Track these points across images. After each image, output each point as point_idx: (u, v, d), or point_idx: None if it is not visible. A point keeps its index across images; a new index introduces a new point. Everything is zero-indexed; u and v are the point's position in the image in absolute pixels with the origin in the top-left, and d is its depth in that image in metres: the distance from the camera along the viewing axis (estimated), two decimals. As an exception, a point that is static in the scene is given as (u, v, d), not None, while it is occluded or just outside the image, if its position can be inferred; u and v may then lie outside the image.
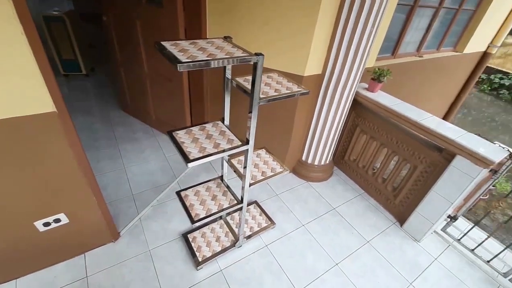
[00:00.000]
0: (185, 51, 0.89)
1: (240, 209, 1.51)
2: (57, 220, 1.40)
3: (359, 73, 1.90)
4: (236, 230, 1.82)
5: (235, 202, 1.47)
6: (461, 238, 1.96)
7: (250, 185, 1.42)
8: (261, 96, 1.10)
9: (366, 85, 2.23)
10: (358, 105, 2.21)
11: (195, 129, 1.25)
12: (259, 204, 2.07)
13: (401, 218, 2.12)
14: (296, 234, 1.93)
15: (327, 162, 2.43)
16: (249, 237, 1.81)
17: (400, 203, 2.13)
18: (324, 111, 2.06)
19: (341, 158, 2.59)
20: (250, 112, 1.09)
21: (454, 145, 1.62)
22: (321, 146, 2.26)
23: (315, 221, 2.04)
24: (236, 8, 1.75)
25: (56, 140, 1.16)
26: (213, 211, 1.40)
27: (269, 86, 1.21)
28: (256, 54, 0.93)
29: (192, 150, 1.11)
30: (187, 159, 1.06)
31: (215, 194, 1.51)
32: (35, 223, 1.34)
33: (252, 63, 0.95)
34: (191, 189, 1.52)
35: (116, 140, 2.64)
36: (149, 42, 2.25)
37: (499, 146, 1.60)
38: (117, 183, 2.14)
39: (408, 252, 1.91)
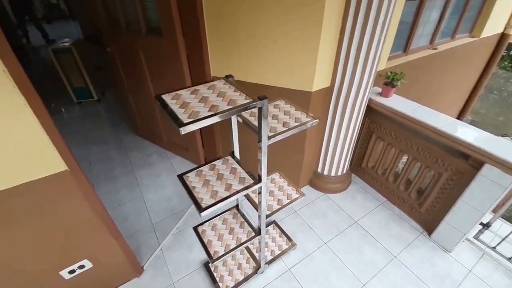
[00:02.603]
0: (186, 106, 0.86)
1: (259, 238, 1.48)
2: (81, 267, 1.42)
3: (370, 83, 1.81)
4: (257, 255, 1.80)
5: (253, 234, 1.44)
6: (496, 246, 1.83)
7: (267, 216, 1.39)
8: (270, 134, 1.06)
9: (379, 89, 2.12)
10: (372, 112, 2.11)
11: (205, 169, 1.23)
12: (278, 224, 2.03)
13: (429, 227, 2.02)
14: (318, 253, 1.88)
15: (344, 172, 2.35)
16: (270, 261, 1.78)
17: (426, 211, 2.02)
18: (336, 122, 1.99)
19: (358, 165, 2.50)
20: (260, 149, 1.05)
21: (481, 153, 1.50)
22: (336, 157, 2.18)
23: (337, 238, 1.98)
24: (236, 30, 1.71)
25: (71, 195, 1.17)
26: (231, 247, 1.38)
27: (277, 119, 1.16)
28: (260, 98, 0.89)
29: (204, 196, 1.09)
30: (199, 208, 1.03)
31: (232, 226, 1.49)
32: (61, 273, 1.37)
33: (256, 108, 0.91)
34: (207, 223, 1.51)
35: (132, 166, 2.68)
36: (154, 70, 2.25)
37: (533, 149, 1.47)
38: (137, 213, 2.17)
39: (440, 265, 1.81)
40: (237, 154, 1.32)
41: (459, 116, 4.44)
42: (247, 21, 1.64)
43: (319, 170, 2.33)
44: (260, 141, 1.01)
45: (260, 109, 0.91)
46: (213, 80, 1.04)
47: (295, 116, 1.18)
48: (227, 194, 1.10)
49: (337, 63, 1.74)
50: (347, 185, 2.43)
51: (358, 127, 2.08)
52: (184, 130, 0.76)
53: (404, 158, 2.10)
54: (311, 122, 1.14)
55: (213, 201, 1.06)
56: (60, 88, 3.78)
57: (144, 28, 2.04)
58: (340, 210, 2.21)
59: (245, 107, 0.86)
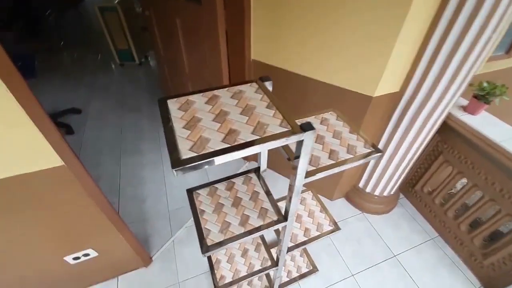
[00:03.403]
0: (195, 125, 0.59)
1: (275, 269, 1.24)
2: (86, 255, 1.36)
3: (458, 94, 1.35)
4: (271, 274, 1.59)
5: (269, 264, 1.21)
6: None
7: (288, 250, 1.14)
8: (309, 168, 0.76)
9: (464, 102, 1.63)
10: (447, 129, 1.64)
11: (220, 187, 0.99)
12: (301, 240, 1.78)
13: (490, 285, 1.60)
14: (342, 286, 1.61)
15: (392, 192, 1.96)
16: (285, 284, 1.56)
17: (491, 266, 1.59)
18: (397, 136, 1.58)
19: (411, 186, 2.08)
20: (292, 186, 0.77)
21: None
22: (386, 175, 1.80)
23: (369, 272, 1.68)
24: (292, 9, 1.34)
25: (70, 189, 1.04)
26: (241, 274, 1.17)
27: (322, 144, 0.85)
28: (303, 128, 0.58)
29: (212, 228, 0.86)
30: (203, 246, 0.81)
31: (247, 247, 1.27)
32: (65, 258, 1.31)
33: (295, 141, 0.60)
34: (219, 237, 1.31)
35: (160, 142, 2.58)
36: (189, 43, 2.00)
37: None
38: (155, 196, 2.08)
39: (498, 338, 1.44)
40: (264, 167, 1.04)
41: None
42: (306, -4, 1.26)
43: (361, 185, 1.97)
44: (295, 178, 0.72)
45: (300, 143, 0.61)
46: (244, 83, 0.75)
47: (348, 143, 0.85)
48: (242, 230, 0.85)
49: (416, 63, 1.30)
50: (392, 208, 2.05)
51: (425, 145, 1.65)
52: (178, 172, 0.50)
53: (477, 194, 1.64)
54: (371, 156, 0.81)
55: (221, 238, 0.83)
56: (105, 48, 3.76)
57: (183, -8, 1.76)
58: (378, 237, 1.87)
59: (281, 140, 0.57)
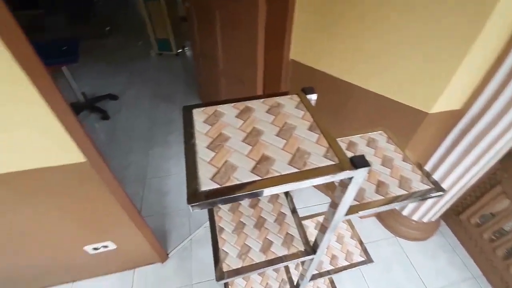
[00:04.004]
0: (221, 145, 0.50)
1: (294, 293, 1.14)
2: (105, 246, 1.36)
3: (537, 119, 1.11)
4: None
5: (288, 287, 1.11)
6: None
7: (311, 278, 1.02)
8: (354, 203, 0.63)
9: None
10: (511, 156, 1.39)
11: (244, 203, 0.90)
12: (324, 258, 1.65)
13: None
14: (366, 318, 1.46)
15: (433, 219, 1.74)
16: (302, 305, 1.45)
17: (553, 324, 1.34)
18: (451, 159, 1.37)
19: (456, 214, 1.83)
20: (327, 222, 0.65)
21: None
22: (430, 200, 1.59)
23: (398, 306, 1.51)
24: (344, 10, 1.19)
25: (92, 184, 1.02)
26: (257, 295, 1.08)
27: (369, 174, 0.71)
28: (355, 163, 0.46)
29: (230, 250, 0.77)
30: (218, 271, 0.73)
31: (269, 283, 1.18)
32: (85, 248, 1.33)
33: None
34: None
35: (187, 135, 2.56)
36: (226, 37, 1.92)
37: None
38: (178, 190, 2.07)
39: None
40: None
41: None
42: (361, -8, 1.10)
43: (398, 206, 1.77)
44: (334, 212, 0.60)
45: (349, 180, 0.49)
46: (283, 94, 0.64)
47: (401, 174, 0.70)
48: (262, 258, 0.75)
49: (488, 79, 1.08)
50: (430, 235, 1.82)
51: (483, 172, 1.41)
52: (194, 208, 0.41)
53: (544, 237, 1.38)
54: (430, 195, 0.66)
55: (239, 265, 0.74)
56: (146, 36, 3.83)
57: (224, -16, 1.67)
58: (410, 267, 1.67)
59: (323, 177, 0.45)
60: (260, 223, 0.84)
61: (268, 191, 0.43)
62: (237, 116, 0.57)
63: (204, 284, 1.56)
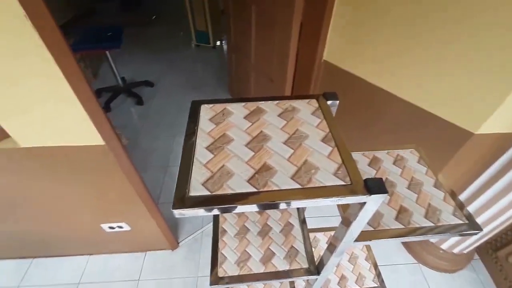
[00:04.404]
0: (221, 147, 0.46)
1: (296, 307, 1.08)
2: (120, 227, 1.41)
3: None
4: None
5: (290, 301, 1.05)
6: None
7: (316, 296, 0.95)
8: (367, 227, 0.56)
9: None
10: None
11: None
12: (335, 274, 1.55)
13: None
14: None
15: (466, 251, 1.55)
16: (305, 319, 1.38)
17: None
18: (495, 189, 1.19)
19: (493, 249, 1.61)
20: (333, 247, 0.58)
21: None
22: (463, 230, 1.41)
23: None
24: (389, 10, 1.08)
25: (109, 167, 1.06)
26: (256, 302, 1.04)
27: (390, 195, 0.63)
28: (369, 188, 0.39)
29: (229, 255, 0.74)
30: (213, 275, 0.70)
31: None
32: (101, 225, 1.39)
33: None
34: None
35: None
36: (260, 32, 1.88)
37: None
38: (196, 181, 2.09)
39: None
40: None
41: None
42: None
43: (426, 231, 1.61)
44: (342, 236, 0.53)
45: (362, 205, 0.42)
46: (302, 97, 0.58)
47: (429, 202, 0.61)
48: (261, 269, 0.71)
49: (558, 100, 0.91)
50: (460, 268, 1.63)
51: (534, 209, 1.21)
52: (178, 213, 0.37)
53: None
54: (461, 232, 0.56)
55: (236, 272, 0.71)
56: (187, 27, 3.92)
57: (264, -23, 1.62)
58: (433, 300, 1.51)
59: (327, 198, 0.39)
60: (265, 231, 0.79)
61: (261, 207, 0.38)
62: (245, 117, 0.53)
63: (208, 279, 1.56)
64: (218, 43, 4.04)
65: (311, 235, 0.93)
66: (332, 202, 0.39)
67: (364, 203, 0.41)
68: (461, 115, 1.04)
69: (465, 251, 1.54)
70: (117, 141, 0.96)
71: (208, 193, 0.39)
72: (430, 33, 0.99)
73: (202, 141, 0.47)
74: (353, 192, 0.39)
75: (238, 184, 0.40)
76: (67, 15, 3.34)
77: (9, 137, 0.91)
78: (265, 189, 0.39)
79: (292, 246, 0.76)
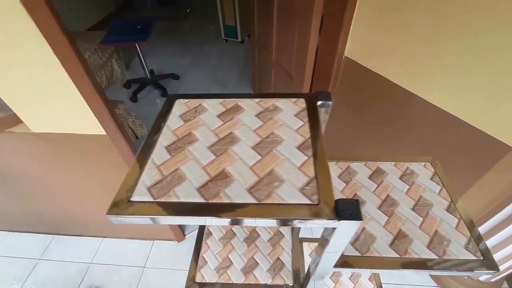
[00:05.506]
0: (181, 149, 0.41)
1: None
2: (126, 214, 1.45)
3: None
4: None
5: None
6: None
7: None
8: (349, 252, 0.48)
9: None
10: None
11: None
12: None
13: None
14: None
15: (493, 280, 1.35)
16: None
17: None
18: (536, 215, 1.01)
19: (536, 284, 1.39)
20: (309, 277, 0.51)
21: None
22: (495, 257, 1.23)
23: None
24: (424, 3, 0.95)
25: (112, 156, 1.08)
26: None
27: (389, 215, 0.53)
28: (338, 212, 0.32)
29: (210, 260, 0.70)
30: (189, 279, 0.66)
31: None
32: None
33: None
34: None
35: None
36: (281, 25, 1.79)
37: None
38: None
39: None
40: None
41: None
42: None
43: (451, 253, 1.43)
44: (317, 261, 0.46)
45: (333, 229, 0.35)
46: (291, 96, 0.51)
47: (436, 229, 0.51)
48: (240, 280, 0.66)
49: None
50: (491, 300, 1.43)
51: None
52: (116, 219, 0.34)
53: None
54: (474, 269, 0.45)
55: (214, 279, 0.66)
56: (217, 22, 3.93)
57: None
58: (453, 331, 1.34)
59: (284, 217, 0.33)
60: (251, 238, 0.74)
61: (202, 221, 0.33)
62: (219, 116, 0.47)
63: (211, 275, 1.55)
64: (246, 38, 4.00)
65: (305, 245, 0.86)
66: (290, 224, 0.33)
67: (334, 228, 0.34)
68: (499, 124, 0.88)
69: (493, 280, 1.35)
70: (117, 131, 0.96)
71: (151, 199, 0.35)
72: (475, 37, 0.84)
73: (164, 140, 0.43)
74: (316, 215, 0.32)
75: (186, 192, 0.35)
76: (107, 10, 3.50)
77: (22, 123, 0.96)
78: (214, 200, 0.34)
79: (278, 258, 0.70)
